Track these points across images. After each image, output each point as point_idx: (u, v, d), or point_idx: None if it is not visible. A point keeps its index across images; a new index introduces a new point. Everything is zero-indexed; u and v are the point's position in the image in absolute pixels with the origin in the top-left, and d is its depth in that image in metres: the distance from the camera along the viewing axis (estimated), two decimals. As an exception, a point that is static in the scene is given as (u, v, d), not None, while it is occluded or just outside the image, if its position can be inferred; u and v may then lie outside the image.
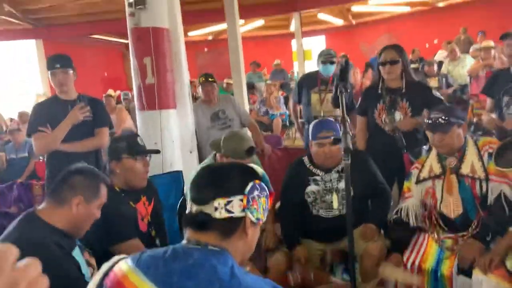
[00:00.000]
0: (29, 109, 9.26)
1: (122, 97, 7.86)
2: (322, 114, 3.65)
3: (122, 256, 1.09)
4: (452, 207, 2.11)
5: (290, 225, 2.43)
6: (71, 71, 2.85)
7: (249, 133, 4.22)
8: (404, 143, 2.73)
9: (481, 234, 2.03)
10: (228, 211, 1.02)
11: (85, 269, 1.55)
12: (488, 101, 3.03)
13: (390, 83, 2.84)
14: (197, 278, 0.95)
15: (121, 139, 2.16)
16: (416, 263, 2.11)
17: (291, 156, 3.65)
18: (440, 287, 2.04)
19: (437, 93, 2.87)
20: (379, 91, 2.86)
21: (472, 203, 2.10)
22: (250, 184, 1.05)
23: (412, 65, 9.23)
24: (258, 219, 1.07)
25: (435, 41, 11.70)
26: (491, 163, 2.08)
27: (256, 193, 1.06)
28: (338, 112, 3.69)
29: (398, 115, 2.80)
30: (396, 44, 2.94)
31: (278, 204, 2.63)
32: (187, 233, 1.07)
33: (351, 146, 1.36)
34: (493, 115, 2.97)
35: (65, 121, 2.78)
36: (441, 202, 2.15)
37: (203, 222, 1.03)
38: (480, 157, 2.11)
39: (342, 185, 2.38)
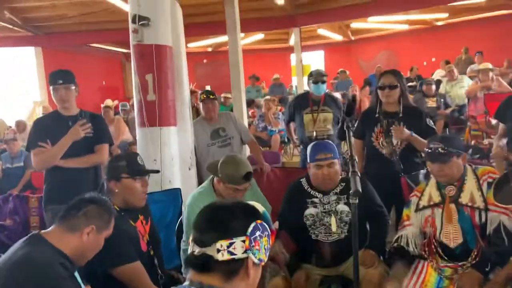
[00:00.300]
0: (26, 114, 9.23)
1: (120, 108, 7.85)
2: (315, 134, 3.68)
3: None
4: (452, 236, 2.12)
5: (289, 249, 2.42)
6: (73, 87, 2.84)
7: (248, 151, 4.23)
8: (402, 167, 2.74)
9: (481, 264, 2.03)
10: (231, 253, 1.03)
11: None
12: (500, 127, 2.98)
13: (388, 107, 2.87)
14: None
15: (121, 158, 2.15)
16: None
17: (289, 175, 3.64)
18: (439, 315, 2.04)
19: (430, 122, 2.89)
20: (377, 115, 2.88)
21: (471, 232, 2.11)
22: (252, 225, 1.06)
23: (410, 83, 9.36)
24: (260, 259, 1.07)
25: (433, 59, 11.83)
26: (490, 192, 2.09)
27: (258, 233, 1.06)
28: (331, 131, 3.74)
29: (395, 139, 2.81)
30: (394, 69, 2.99)
31: (276, 224, 2.62)
32: (190, 274, 1.07)
33: (360, 189, 1.36)
34: (503, 142, 2.94)
35: (66, 137, 2.76)
36: (440, 231, 2.15)
37: (205, 264, 1.03)
38: (479, 187, 2.12)
39: (340, 207, 2.39)
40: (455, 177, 2.17)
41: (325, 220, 2.39)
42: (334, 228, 2.35)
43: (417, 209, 2.26)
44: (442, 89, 6.88)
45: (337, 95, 9.23)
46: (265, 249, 1.08)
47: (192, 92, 8.05)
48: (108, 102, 7.59)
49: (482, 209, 2.08)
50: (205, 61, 13.87)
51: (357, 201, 1.39)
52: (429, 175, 2.35)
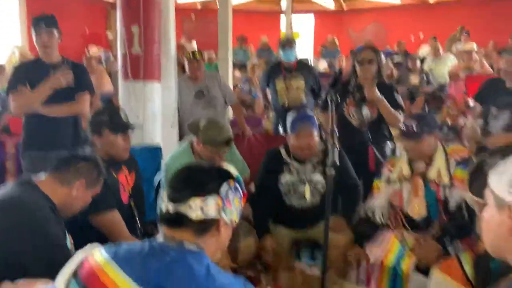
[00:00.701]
0: (6, 58, 8.87)
1: (103, 58, 7.64)
2: (287, 102, 3.71)
3: (95, 244, 1.12)
4: (417, 209, 2.24)
5: (262, 213, 2.51)
6: (56, 33, 2.77)
7: (231, 113, 4.26)
8: (370, 137, 2.85)
9: (441, 237, 2.17)
10: (203, 212, 1.07)
11: (68, 243, 1.59)
12: (478, 108, 3.10)
13: (362, 80, 2.91)
14: (174, 276, 0.99)
15: (103, 112, 2.15)
16: (379, 258, 2.24)
17: (270, 141, 3.71)
18: (398, 282, 2.19)
19: (399, 98, 2.96)
20: (350, 88, 2.94)
21: (435, 207, 2.24)
22: (226, 186, 1.10)
23: (396, 57, 9.38)
24: (231, 219, 1.12)
25: (421, 35, 11.82)
26: (458, 170, 2.21)
27: (230, 194, 1.10)
28: (304, 99, 3.78)
29: (366, 111, 2.90)
30: (373, 46, 3.08)
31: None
32: (163, 229, 1.11)
33: (337, 161, 1.42)
34: (478, 123, 3.05)
35: (47, 83, 2.71)
36: (407, 204, 2.27)
37: (178, 220, 1.07)
38: (447, 164, 2.24)
39: (315, 177, 2.48)
40: (427, 154, 2.27)
41: (300, 189, 2.49)
42: (307, 196, 2.45)
43: (388, 182, 2.38)
44: (426, 66, 6.95)
45: (323, 62, 9.25)
46: (236, 210, 1.12)
47: (180, 48, 7.89)
48: (93, 50, 7.38)
49: (447, 186, 2.21)
50: (193, 17, 13.48)
51: (333, 172, 1.45)
52: (395, 148, 2.44)
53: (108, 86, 6.31)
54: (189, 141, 2.60)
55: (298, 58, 4.03)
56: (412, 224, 2.29)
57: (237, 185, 1.13)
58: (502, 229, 0.95)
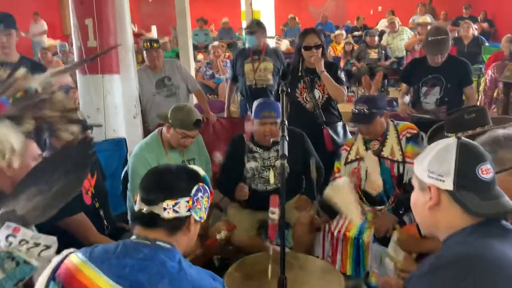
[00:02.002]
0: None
1: (58, 49, 7.38)
2: (255, 83, 3.75)
3: (71, 250, 1.17)
4: (374, 185, 2.39)
5: (229, 195, 2.60)
6: (14, 32, 2.73)
7: (195, 100, 4.25)
8: (324, 119, 2.97)
9: (395, 208, 2.33)
10: (175, 212, 1.15)
11: None
12: (404, 86, 3.34)
13: (310, 64, 3.01)
14: (149, 271, 1.06)
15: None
16: (342, 231, 2.39)
17: (235, 125, 3.76)
18: (361, 252, 2.36)
19: (342, 75, 3.11)
20: (299, 73, 3.02)
21: (390, 182, 2.40)
22: (195, 187, 1.19)
23: (356, 33, 9.53)
24: (201, 217, 1.21)
25: (380, 9, 12.02)
26: (409, 146, 2.36)
27: (200, 194, 1.19)
28: (271, 81, 3.84)
29: (317, 93, 3.02)
30: (314, 28, 3.21)
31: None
32: (136, 229, 1.19)
33: (286, 152, 1.49)
34: (406, 98, 3.31)
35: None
36: (365, 181, 2.42)
37: (152, 221, 1.15)
38: (399, 141, 2.38)
39: (279, 162, 2.56)
40: (379, 133, 2.42)
41: (264, 174, 2.58)
42: (272, 181, 2.54)
43: (346, 162, 2.52)
44: (384, 41, 7.11)
45: (286, 42, 9.28)
46: (205, 208, 1.22)
47: (138, 35, 7.70)
48: (49, 42, 7.10)
49: (400, 162, 2.36)
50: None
51: (285, 162, 1.54)
52: (346, 127, 2.72)
53: (66, 78, 6.14)
54: (157, 131, 2.63)
55: (266, 43, 4.05)
56: (370, 200, 2.45)
57: (205, 186, 1.22)
58: (425, 209, 1.08)
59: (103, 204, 2.15)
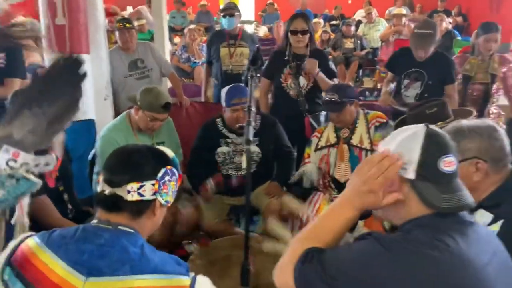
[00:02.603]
0: None
1: (28, 27, 7.08)
2: (231, 68, 3.71)
3: (28, 233, 1.13)
4: (343, 172, 2.43)
5: (198, 181, 2.58)
6: None
7: (169, 83, 4.18)
8: (307, 107, 2.96)
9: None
10: (140, 195, 1.09)
11: None
12: (389, 75, 3.29)
13: (297, 49, 2.99)
14: (109, 258, 1.02)
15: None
16: (310, 217, 2.42)
17: (209, 110, 3.71)
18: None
19: (332, 65, 3.09)
20: (286, 57, 3.00)
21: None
22: (163, 170, 1.12)
23: (333, 22, 9.56)
24: (167, 201, 1.15)
25: (358, -1, 12.05)
26: (377, 134, 2.41)
27: (167, 178, 1.13)
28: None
29: (302, 80, 2.99)
30: (303, 13, 3.15)
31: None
32: (98, 212, 1.12)
33: (251, 138, 1.49)
34: (391, 86, 3.26)
35: None
36: (334, 168, 2.45)
37: (114, 203, 1.09)
38: (368, 130, 2.42)
39: (252, 148, 2.57)
40: (349, 121, 2.46)
41: (236, 159, 2.58)
42: (244, 165, 2.53)
43: (316, 149, 2.55)
44: (360, 31, 7.17)
45: (264, 28, 9.22)
46: (172, 192, 1.16)
47: (113, 14, 7.47)
48: (20, 19, 6.77)
49: (369, 150, 2.40)
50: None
51: (250, 147, 1.53)
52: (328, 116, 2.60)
53: (35, 57, 5.92)
54: (125, 113, 2.58)
55: (243, 28, 4.00)
56: (338, 186, 2.48)
57: (174, 169, 1.16)
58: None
59: (67, 187, 2.10)
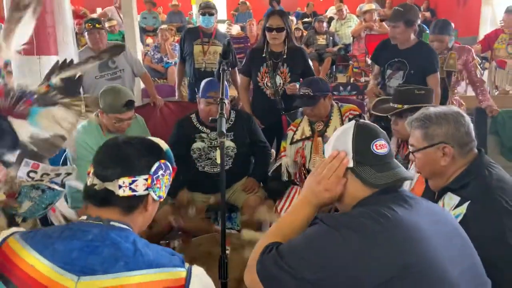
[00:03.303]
0: None
1: (-8, 30, 6.86)
2: (204, 66, 3.69)
3: (8, 232, 1.06)
4: (318, 165, 2.44)
5: (174, 179, 2.54)
6: None
7: (142, 84, 4.12)
8: (283, 106, 2.98)
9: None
10: (132, 190, 1.04)
11: None
12: (375, 67, 3.25)
13: (274, 47, 3.00)
14: (99, 254, 0.97)
15: None
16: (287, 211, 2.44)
17: (183, 109, 3.68)
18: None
19: (310, 63, 3.11)
20: (263, 55, 3.01)
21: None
22: (156, 165, 1.07)
23: (306, 19, 9.64)
24: (160, 196, 1.10)
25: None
26: None
27: (160, 172, 1.08)
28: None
29: (279, 79, 3.00)
30: (281, 10, 3.12)
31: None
32: (88, 209, 1.07)
33: (225, 130, 1.49)
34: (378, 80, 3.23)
35: None
36: (309, 160, 2.48)
37: (105, 198, 1.05)
38: (342, 122, 2.46)
39: (226, 142, 2.56)
40: (323, 115, 2.49)
41: (211, 154, 2.57)
42: (219, 161, 2.52)
43: (292, 142, 2.57)
44: (332, 27, 7.26)
45: (237, 27, 9.22)
46: (165, 186, 1.12)
47: (82, 16, 7.31)
48: None
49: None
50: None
51: (224, 139, 1.53)
52: None
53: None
54: (95, 114, 2.52)
55: (216, 27, 3.98)
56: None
57: (167, 163, 1.11)
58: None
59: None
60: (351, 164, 1.12)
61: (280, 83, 3.00)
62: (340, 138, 1.17)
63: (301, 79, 2.97)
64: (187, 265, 1.03)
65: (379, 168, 1.11)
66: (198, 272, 1.02)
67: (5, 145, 1.30)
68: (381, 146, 1.13)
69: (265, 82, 3.02)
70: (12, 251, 1.00)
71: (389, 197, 1.09)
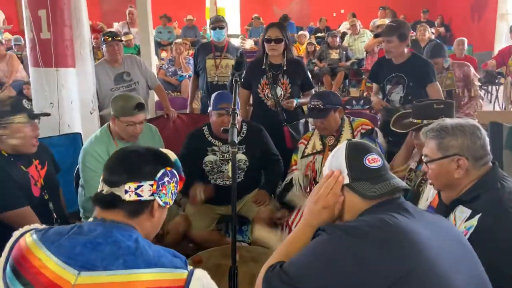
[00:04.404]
0: None
1: (13, 43, 7.07)
2: (217, 79, 3.73)
3: (30, 227, 1.11)
4: (314, 188, 2.42)
5: (185, 188, 2.56)
6: None
7: (156, 97, 4.18)
8: (285, 117, 2.99)
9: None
10: (138, 195, 1.09)
11: None
12: (374, 86, 3.32)
13: (273, 59, 3.02)
14: (101, 251, 1.00)
15: (4, 103, 2.01)
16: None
17: (196, 122, 3.72)
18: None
19: (308, 74, 3.17)
20: (263, 67, 3.02)
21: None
22: (162, 171, 1.12)
23: (319, 34, 9.71)
24: (166, 203, 1.14)
25: (342, 11, 12.28)
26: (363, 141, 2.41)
27: (166, 179, 1.12)
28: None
29: (279, 91, 3.01)
30: (279, 23, 3.14)
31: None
32: (95, 211, 1.12)
33: (236, 139, 1.50)
34: (378, 97, 3.24)
35: None
36: (319, 174, 2.46)
37: (111, 202, 1.09)
38: (353, 137, 2.44)
39: (238, 155, 2.57)
40: (334, 128, 2.48)
41: (223, 168, 2.57)
42: (230, 173, 2.53)
43: (303, 156, 2.56)
44: (345, 42, 7.29)
45: (250, 41, 9.32)
46: (171, 193, 1.15)
47: (99, 31, 7.49)
48: (7, 35, 6.75)
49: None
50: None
51: (236, 149, 1.54)
52: (308, 125, 2.67)
53: (21, 72, 5.90)
54: (106, 125, 2.56)
55: (228, 40, 4.04)
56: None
57: (174, 171, 1.15)
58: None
59: (53, 196, 2.06)
60: (347, 181, 1.16)
61: (281, 94, 3.00)
62: (333, 158, 1.22)
63: (301, 90, 3.06)
64: (190, 267, 1.04)
65: (374, 181, 1.15)
66: (201, 274, 1.04)
67: None
68: (373, 160, 1.17)
69: (265, 93, 3.03)
70: (26, 247, 1.05)
71: (390, 207, 1.12)
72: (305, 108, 3.17)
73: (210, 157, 2.57)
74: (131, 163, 1.11)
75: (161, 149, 1.20)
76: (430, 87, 2.97)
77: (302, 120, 3.07)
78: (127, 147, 1.23)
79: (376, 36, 3.42)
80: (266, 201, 2.59)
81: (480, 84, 6.03)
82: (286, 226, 2.46)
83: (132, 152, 1.15)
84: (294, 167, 2.58)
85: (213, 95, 2.58)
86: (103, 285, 0.97)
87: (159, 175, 1.11)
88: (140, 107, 2.34)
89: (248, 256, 2.10)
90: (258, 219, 2.52)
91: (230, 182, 2.55)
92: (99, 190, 1.12)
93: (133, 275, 0.98)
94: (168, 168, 1.13)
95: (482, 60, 6.61)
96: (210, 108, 2.58)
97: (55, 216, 2.03)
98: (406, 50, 3.02)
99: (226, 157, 2.58)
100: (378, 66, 3.24)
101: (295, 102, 2.95)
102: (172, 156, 1.18)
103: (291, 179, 2.58)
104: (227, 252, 2.17)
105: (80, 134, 3.11)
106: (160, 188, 1.11)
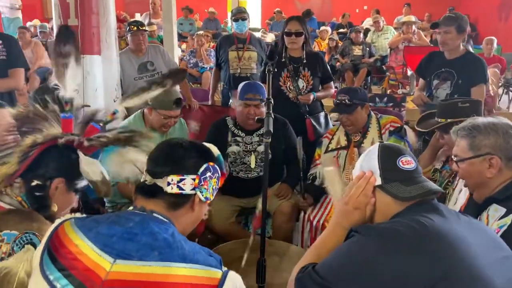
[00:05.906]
0: None
1: (38, 30, 7.17)
2: (239, 71, 3.72)
3: (70, 216, 1.12)
4: (351, 175, 2.38)
5: None
6: None
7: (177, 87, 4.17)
8: (307, 109, 2.98)
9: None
10: (180, 188, 1.09)
11: None
12: (420, 81, 3.15)
13: (293, 52, 2.99)
14: (137, 241, 1.00)
15: (47, 91, 2.04)
16: (321, 221, 2.39)
17: (217, 113, 3.71)
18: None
19: (328, 67, 3.15)
20: (283, 60, 2.99)
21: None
22: (204, 166, 1.12)
23: (341, 30, 9.59)
24: (206, 198, 1.14)
25: (365, 7, 12.12)
26: (391, 139, 2.37)
27: (208, 174, 1.13)
28: (255, 69, 3.82)
29: (301, 83, 3.00)
30: (299, 16, 3.12)
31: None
32: (136, 200, 1.13)
33: (272, 129, 1.48)
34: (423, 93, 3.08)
35: None
36: (343, 170, 2.42)
37: (153, 192, 1.10)
38: (381, 134, 2.39)
39: (261, 148, 2.55)
40: (360, 124, 2.44)
41: (246, 159, 2.55)
42: (253, 165, 2.51)
43: (326, 151, 2.53)
44: (368, 38, 7.18)
45: (271, 35, 9.26)
46: (213, 189, 1.15)
47: (123, 20, 7.54)
48: (35, 22, 6.85)
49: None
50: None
51: (269, 139, 1.52)
52: (328, 117, 2.70)
53: (45, 60, 5.98)
54: (140, 111, 2.59)
55: (250, 32, 4.02)
56: (349, 189, 2.45)
57: (216, 166, 1.16)
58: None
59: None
60: (379, 182, 1.15)
61: (303, 86, 3.00)
62: (365, 159, 1.22)
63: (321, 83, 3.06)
64: (224, 268, 1.03)
65: (407, 182, 1.13)
66: (234, 277, 1.03)
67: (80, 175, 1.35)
68: (407, 162, 1.16)
69: (287, 85, 3.01)
70: (64, 234, 1.05)
71: (423, 208, 1.10)
72: (323, 101, 3.15)
73: (233, 148, 2.55)
74: (175, 156, 1.12)
75: (204, 143, 1.21)
76: (476, 88, 2.78)
77: (322, 113, 3.07)
78: (171, 139, 1.24)
79: (432, 26, 3.28)
80: (288, 195, 2.56)
81: (508, 85, 5.88)
82: (308, 221, 2.43)
83: (177, 144, 1.16)
84: (317, 162, 2.54)
85: (240, 85, 2.56)
86: (137, 275, 0.97)
87: (201, 169, 1.11)
88: (179, 102, 2.41)
89: (271, 250, 2.08)
90: (280, 213, 2.50)
91: (252, 175, 2.56)
92: (142, 179, 1.13)
93: (168, 268, 0.97)
94: (211, 163, 1.14)
95: (510, 60, 6.44)
96: (233, 100, 2.56)
97: (80, 204, 2.04)
98: (461, 46, 2.88)
99: (249, 148, 2.55)
100: (428, 59, 3.07)
101: (312, 96, 2.94)
102: (215, 151, 1.19)
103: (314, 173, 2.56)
104: (247, 245, 2.15)
105: (103, 121, 3.13)
106: (202, 183, 1.11)
